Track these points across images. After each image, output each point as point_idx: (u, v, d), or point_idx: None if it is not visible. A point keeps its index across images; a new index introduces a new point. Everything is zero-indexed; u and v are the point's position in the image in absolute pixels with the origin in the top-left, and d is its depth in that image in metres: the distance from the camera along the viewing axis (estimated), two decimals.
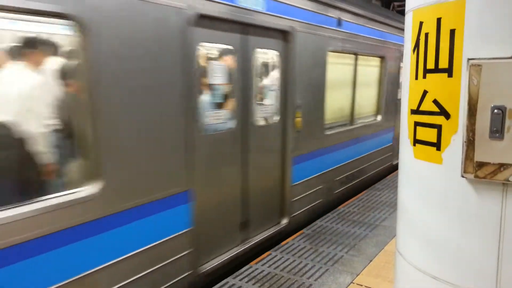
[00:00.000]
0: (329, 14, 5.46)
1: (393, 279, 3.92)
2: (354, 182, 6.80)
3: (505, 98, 1.52)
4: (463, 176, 1.62)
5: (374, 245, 4.74)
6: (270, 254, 4.51)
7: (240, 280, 3.93)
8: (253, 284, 3.86)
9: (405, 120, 1.94)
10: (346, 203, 6.31)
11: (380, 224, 5.40)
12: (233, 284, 3.85)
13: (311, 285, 3.86)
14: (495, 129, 1.54)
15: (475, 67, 1.58)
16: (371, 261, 4.35)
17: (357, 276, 4.02)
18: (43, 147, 2.74)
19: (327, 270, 4.14)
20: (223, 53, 4.06)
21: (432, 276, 1.78)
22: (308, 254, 4.52)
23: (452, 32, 1.67)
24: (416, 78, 1.85)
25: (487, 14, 1.57)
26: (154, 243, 3.32)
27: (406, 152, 1.93)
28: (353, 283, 3.89)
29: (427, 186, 1.79)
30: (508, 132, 1.51)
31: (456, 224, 1.68)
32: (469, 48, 1.62)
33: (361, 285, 3.85)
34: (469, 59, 1.61)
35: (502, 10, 1.52)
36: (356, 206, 6.13)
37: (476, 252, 1.63)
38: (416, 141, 1.85)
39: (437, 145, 1.73)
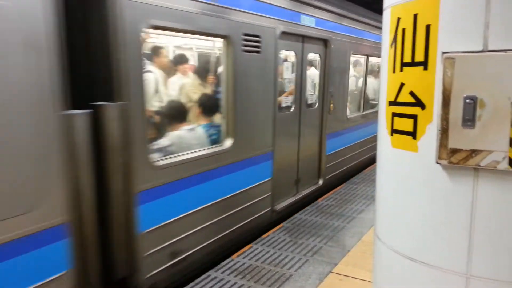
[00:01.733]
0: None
1: (370, 267, 4.05)
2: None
3: (476, 89, 1.62)
4: (437, 163, 1.73)
5: (352, 236, 4.88)
6: (251, 247, 4.58)
7: (222, 272, 3.99)
8: (235, 276, 3.93)
9: (383, 111, 2.04)
10: (324, 196, 6.45)
11: (357, 216, 5.55)
12: (215, 277, 3.90)
13: (291, 275, 3.95)
14: (467, 118, 1.64)
15: (449, 60, 1.68)
16: (349, 251, 4.48)
17: (335, 266, 4.14)
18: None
19: (307, 261, 4.25)
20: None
21: (409, 257, 1.88)
22: (288, 246, 4.61)
23: (428, 27, 1.77)
24: (394, 71, 1.95)
25: (460, 10, 1.67)
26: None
27: (384, 142, 2.03)
28: (332, 272, 4.00)
29: (404, 172, 1.89)
30: (479, 120, 1.62)
31: (431, 208, 1.79)
32: (443, 42, 1.72)
33: (340, 274, 3.97)
34: (443, 53, 1.71)
35: (474, 6, 1.63)
36: (334, 200, 6.27)
37: (450, 233, 1.74)
38: (393, 131, 1.94)
39: (413, 134, 1.83)
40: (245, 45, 4.44)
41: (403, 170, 1.90)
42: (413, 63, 1.83)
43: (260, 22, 4.65)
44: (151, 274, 3.58)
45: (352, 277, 3.91)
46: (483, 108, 1.61)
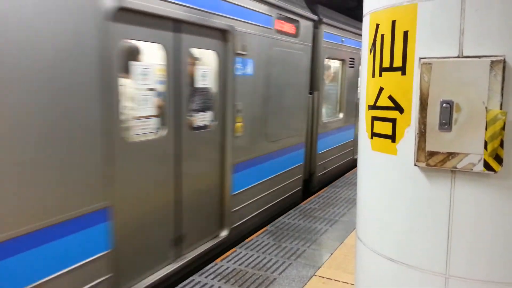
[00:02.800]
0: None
1: (352, 270, 4.10)
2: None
3: (452, 93, 1.67)
4: (416, 165, 1.77)
5: (334, 239, 4.92)
6: (235, 251, 4.58)
7: (206, 277, 3.98)
8: (219, 280, 3.93)
9: (363, 115, 2.08)
10: (307, 200, 6.48)
11: (339, 219, 5.60)
12: (199, 282, 3.90)
13: (275, 279, 3.96)
14: (444, 121, 1.68)
15: (426, 65, 1.72)
16: (331, 254, 4.52)
17: (319, 268, 4.17)
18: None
19: (290, 264, 4.27)
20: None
21: (389, 258, 1.92)
22: (272, 249, 4.63)
23: (406, 33, 1.81)
24: (373, 76, 1.99)
25: (436, 17, 1.72)
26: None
27: (364, 145, 2.06)
28: (315, 275, 4.04)
29: (384, 175, 1.93)
30: (456, 124, 1.67)
31: (410, 209, 1.83)
32: (421, 48, 1.77)
33: (323, 277, 4.00)
34: (420, 58, 1.75)
35: (450, 14, 1.68)
36: (317, 203, 6.31)
37: (429, 234, 1.78)
38: (373, 134, 1.98)
39: (392, 138, 1.87)
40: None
41: (383, 173, 1.94)
42: (391, 68, 1.87)
43: None
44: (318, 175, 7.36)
45: (335, 280, 3.94)
46: (459, 112, 1.66)
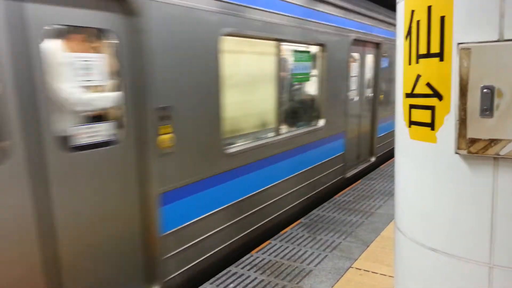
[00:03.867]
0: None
1: (390, 262, 4.05)
2: None
3: (493, 78, 1.63)
4: (456, 153, 1.73)
5: (371, 232, 4.87)
6: (269, 243, 4.61)
7: (242, 268, 4.03)
8: (255, 271, 3.97)
9: (400, 104, 2.05)
10: (341, 192, 6.44)
11: (375, 212, 5.54)
12: (236, 272, 3.95)
13: (311, 270, 3.97)
14: (485, 107, 1.64)
15: (465, 50, 1.68)
16: (368, 246, 4.48)
17: (355, 261, 4.15)
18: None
19: (326, 256, 4.27)
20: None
21: (430, 248, 1.89)
22: (306, 242, 4.63)
23: (442, 18, 1.77)
24: (410, 64, 1.96)
25: (474, 1, 1.68)
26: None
27: (402, 134, 2.04)
28: (352, 267, 4.02)
29: (423, 163, 1.90)
30: (497, 110, 1.62)
31: (451, 198, 1.80)
32: (459, 33, 1.73)
33: (360, 269, 3.98)
34: (458, 44, 1.71)
35: None
36: (352, 196, 6.26)
37: (471, 223, 1.75)
38: (411, 123, 1.96)
39: (431, 125, 1.84)
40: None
41: (422, 161, 1.91)
42: (428, 55, 1.84)
43: None
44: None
45: (372, 272, 3.91)
46: (501, 98, 1.61)
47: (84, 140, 2.91)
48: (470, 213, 1.74)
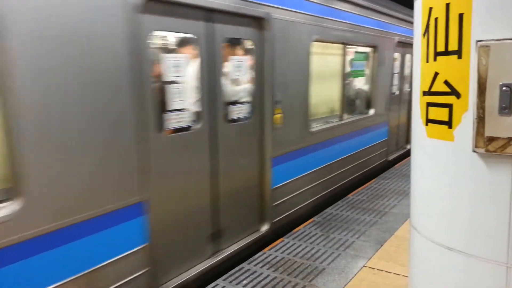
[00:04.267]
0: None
1: (404, 262, 4.03)
2: None
3: None
4: (474, 151, 1.72)
5: (385, 231, 4.85)
6: (282, 240, 4.62)
7: (255, 265, 4.05)
8: (268, 269, 3.98)
9: (417, 102, 2.04)
10: (355, 191, 6.42)
11: (389, 211, 5.51)
12: (248, 269, 3.97)
13: (324, 269, 3.97)
14: (503, 105, 1.63)
15: (484, 48, 1.67)
16: (382, 245, 4.45)
17: (369, 260, 4.13)
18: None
19: (339, 255, 4.26)
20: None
21: (446, 247, 1.88)
22: (319, 240, 4.63)
23: (461, 16, 1.76)
24: (427, 61, 1.95)
25: None
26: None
27: (419, 132, 2.03)
28: (365, 266, 4.00)
29: (440, 162, 1.89)
30: None
31: (468, 197, 1.78)
32: (477, 30, 1.71)
33: (373, 268, 3.96)
34: (477, 41, 1.70)
35: None
36: (365, 195, 6.23)
37: (488, 222, 1.73)
38: (428, 121, 1.95)
39: (449, 123, 1.82)
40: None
41: (439, 160, 1.90)
42: (447, 52, 1.83)
43: None
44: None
45: (386, 271, 3.89)
46: None
47: (234, 116, 4.20)
48: (488, 213, 1.73)
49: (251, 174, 4.52)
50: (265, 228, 4.70)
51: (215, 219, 4.05)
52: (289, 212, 5.13)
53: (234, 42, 4.13)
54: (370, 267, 3.98)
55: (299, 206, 5.31)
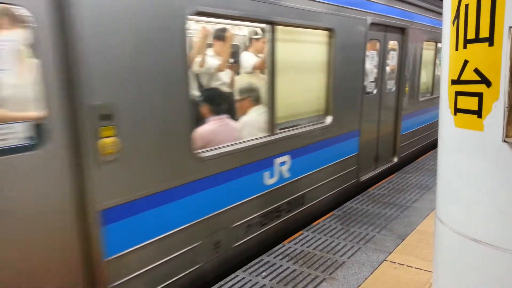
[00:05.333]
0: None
1: (426, 257, 3.97)
2: None
3: None
4: (504, 141, 1.67)
5: (406, 225, 4.78)
6: (302, 233, 4.61)
7: (274, 257, 4.05)
8: (287, 261, 3.97)
9: (445, 90, 1.99)
10: (376, 185, 6.34)
11: (411, 206, 5.43)
12: (268, 261, 3.97)
13: (344, 262, 3.94)
14: None
15: None
16: (403, 240, 4.40)
17: (390, 254, 4.09)
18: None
19: (359, 248, 4.22)
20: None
21: (473, 239, 1.84)
22: (339, 233, 4.60)
23: (493, 1, 1.70)
24: (456, 49, 1.89)
25: None
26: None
27: (447, 121, 1.98)
28: (386, 260, 3.96)
29: (468, 152, 1.84)
30: None
31: (497, 188, 1.73)
32: (510, 16, 1.65)
33: (395, 263, 3.91)
34: (510, 27, 1.64)
35: None
36: (386, 189, 6.16)
37: None
38: (456, 110, 1.89)
39: (478, 113, 1.77)
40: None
41: (468, 150, 1.85)
42: (477, 40, 1.77)
43: None
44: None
45: (407, 266, 3.84)
46: None
47: (389, 88, 7.23)
48: None
49: (391, 125, 7.23)
50: (395, 159, 7.43)
51: (377, 149, 6.85)
52: (409, 152, 8.01)
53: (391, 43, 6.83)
54: (391, 261, 3.94)
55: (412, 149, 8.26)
